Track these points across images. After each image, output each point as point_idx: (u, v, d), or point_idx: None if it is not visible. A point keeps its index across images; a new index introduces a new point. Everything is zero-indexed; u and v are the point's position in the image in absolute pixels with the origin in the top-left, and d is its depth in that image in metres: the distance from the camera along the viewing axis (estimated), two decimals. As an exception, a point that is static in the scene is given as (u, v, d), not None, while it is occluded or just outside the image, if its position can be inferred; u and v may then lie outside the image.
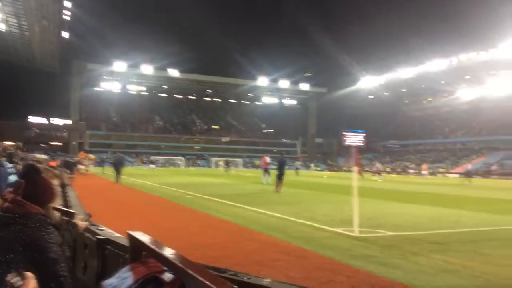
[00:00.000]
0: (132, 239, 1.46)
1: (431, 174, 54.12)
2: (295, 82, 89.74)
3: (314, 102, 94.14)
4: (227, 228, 8.92)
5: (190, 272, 1.07)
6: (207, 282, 0.97)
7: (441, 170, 61.11)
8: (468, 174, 35.03)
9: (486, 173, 55.86)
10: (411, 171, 57.94)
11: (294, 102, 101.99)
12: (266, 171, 24.43)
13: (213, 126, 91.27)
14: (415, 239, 7.60)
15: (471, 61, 66.05)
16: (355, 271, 5.34)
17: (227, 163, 47.99)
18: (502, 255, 6.48)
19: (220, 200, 14.34)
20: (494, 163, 60.39)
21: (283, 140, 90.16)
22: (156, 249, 1.29)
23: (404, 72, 76.61)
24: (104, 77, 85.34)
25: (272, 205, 12.65)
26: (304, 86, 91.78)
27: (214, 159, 77.54)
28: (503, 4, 51.00)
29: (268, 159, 24.93)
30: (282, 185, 18.68)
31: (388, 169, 61.24)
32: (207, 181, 27.94)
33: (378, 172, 40.57)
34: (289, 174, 21.85)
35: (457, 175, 49.37)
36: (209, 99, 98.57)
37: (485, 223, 9.92)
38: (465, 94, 78.16)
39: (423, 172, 49.18)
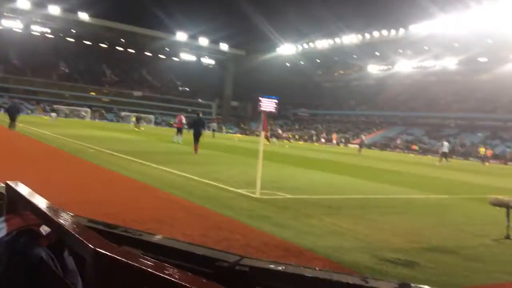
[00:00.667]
0: (10, 189, 1.36)
1: (338, 143, 57.73)
2: (215, 41, 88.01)
3: (232, 64, 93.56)
4: (130, 185, 8.73)
5: (65, 227, 1.03)
6: (81, 238, 0.94)
7: (343, 140, 65.13)
8: (360, 145, 37.89)
9: (384, 146, 60.72)
10: (323, 140, 61.10)
11: (212, 61, 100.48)
12: (179, 130, 24.10)
13: (125, 78, 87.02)
14: (310, 203, 8.09)
15: (382, 38, 69.80)
16: (251, 230, 5.57)
17: (138, 119, 46.41)
18: (383, 221, 7.17)
19: (125, 156, 13.90)
20: (393, 137, 65.71)
21: (199, 100, 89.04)
22: (34, 201, 1.22)
23: (320, 43, 78.81)
24: (5, 14, 76.27)
25: (180, 165, 12.58)
26: (224, 47, 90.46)
27: (123, 113, 74.42)
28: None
29: (183, 118, 24.57)
30: (198, 146, 18.26)
31: (290, 135, 63.69)
32: (114, 136, 26.87)
33: (279, 137, 42.00)
34: (205, 135, 21.69)
35: (355, 146, 53.23)
36: (123, 49, 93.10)
37: (374, 191, 10.84)
38: (372, 70, 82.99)
39: (333, 141, 52.71)
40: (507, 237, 5.99)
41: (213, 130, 45.79)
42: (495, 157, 48.94)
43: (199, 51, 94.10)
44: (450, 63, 70.75)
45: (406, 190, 11.79)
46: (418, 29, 62.95)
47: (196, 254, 1.32)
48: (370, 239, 5.62)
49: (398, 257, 4.77)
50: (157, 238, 1.49)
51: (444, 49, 66.88)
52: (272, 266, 1.41)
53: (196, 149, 18.09)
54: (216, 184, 9.44)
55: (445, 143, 31.28)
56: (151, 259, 0.81)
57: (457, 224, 7.38)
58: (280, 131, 49.36)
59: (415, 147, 57.01)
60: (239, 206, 7.21)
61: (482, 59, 66.59)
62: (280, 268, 1.39)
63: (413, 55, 73.10)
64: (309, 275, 1.39)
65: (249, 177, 10.66)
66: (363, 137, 48.01)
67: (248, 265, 1.32)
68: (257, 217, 6.40)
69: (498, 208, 6.29)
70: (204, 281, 0.77)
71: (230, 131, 76.22)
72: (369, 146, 57.43)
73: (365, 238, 5.67)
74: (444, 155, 30.34)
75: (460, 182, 16.49)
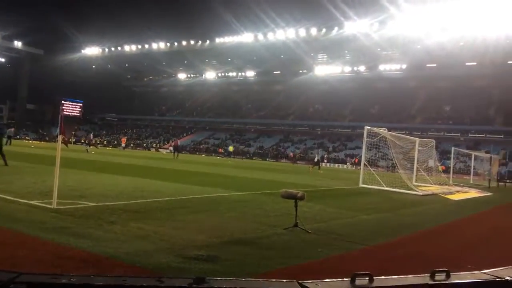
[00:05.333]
0: None
1: (126, 146, 57.94)
2: (7, 38, 76.62)
3: (28, 63, 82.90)
4: None
5: None
6: None
7: (154, 145, 64.78)
8: (176, 149, 38.38)
9: (193, 149, 62.57)
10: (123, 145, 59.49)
11: (2, 60, 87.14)
12: None
13: None
14: (115, 209, 7.70)
15: (190, 47, 72.05)
16: (43, 243, 4.97)
17: None
18: (189, 220, 7.32)
19: None
20: (201, 140, 68.27)
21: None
22: None
23: (129, 48, 76.81)
24: None
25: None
26: (17, 44, 79.52)
27: None
28: (222, 5, 57.95)
29: None
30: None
31: (97, 141, 60.77)
32: None
33: (91, 144, 39.48)
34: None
35: (167, 150, 53.60)
36: None
37: (182, 193, 11.00)
38: (182, 77, 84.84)
39: (122, 144, 53.04)
40: (295, 225, 6.78)
41: (9, 137, 39.66)
42: (287, 157, 56.02)
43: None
44: (249, 74, 77.53)
45: (212, 189, 12.33)
46: (223, 41, 67.34)
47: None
48: (175, 240, 5.63)
49: (201, 253, 4.90)
50: None
51: (245, 62, 72.98)
52: (54, 279, 1.23)
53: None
54: (2, 196, 8.17)
55: (319, 152, 34.14)
56: None
57: (255, 217, 8.04)
58: (91, 137, 46.11)
59: (221, 150, 60.45)
60: (31, 218, 6.38)
61: (276, 72, 75.06)
62: (64, 280, 1.22)
63: (218, 65, 77.61)
64: (99, 283, 1.27)
65: (45, 186, 9.58)
66: (179, 141, 48.76)
67: (26, 281, 1.12)
68: (52, 229, 5.75)
69: (288, 200, 7.09)
70: None
71: (26, 137, 67.58)
72: (180, 150, 58.43)
73: (170, 239, 5.66)
74: (317, 163, 32.97)
75: (259, 180, 18.11)
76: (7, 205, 7.45)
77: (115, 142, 58.52)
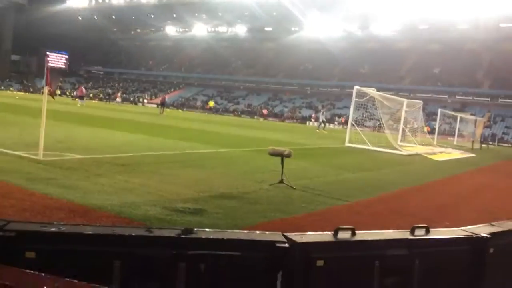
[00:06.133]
0: None
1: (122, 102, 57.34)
2: (-11, -15, 73.18)
3: (11, 14, 79.70)
4: None
5: None
6: None
7: (141, 99, 64.13)
8: (162, 105, 37.84)
9: (181, 105, 62.09)
10: (118, 100, 58.66)
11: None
12: None
13: None
14: (102, 162, 7.71)
15: (180, 1, 69.77)
16: (30, 194, 4.99)
17: None
18: (177, 174, 7.38)
19: None
20: (189, 97, 67.69)
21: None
22: None
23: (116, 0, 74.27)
24: None
25: None
26: (-2, -7, 76.01)
27: None
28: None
29: None
30: None
31: (91, 95, 59.94)
32: None
33: (82, 97, 38.87)
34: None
35: (154, 105, 53.12)
36: None
37: (170, 148, 11.03)
38: (170, 31, 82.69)
39: (117, 99, 52.13)
40: (281, 181, 6.89)
41: None
42: (274, 115, 56.10)
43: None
44: (240, 30, 75.84)
45: (199, 145, 12.37)
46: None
47: None
48: (162, 193, 5.71)
49: (188, 206, 4.99)
50: None
51: (236, 17, 71.14)
52: (44, 228, 1.25)
53: None
54: (-13, 146, 8.10)
55: (323, 113, 33.64)
56: None
57: (242, 173, 8.15)
58: (84, 90, 45.27)
59: (208, 106, 60.12)
60: (18, 169, 6.37)
61: (268, 29, 73.51)
62: (54, 229, 1.25)
63: (208, 20, 75.54)
64: (89, 232, 1.30)
65: (31, 138, 9.49)
66: (166, 96, 48.25)
67: (15, 229, 1.14)
68: (39, 180, 5.76)
69: (275, 157, 7.16)
70: None
71: (11, 88, 66.17)
72: (168, 106, 58.03)
73: (157, 192, 5.73)
74: (323, 123, 32.21)
75: (246, 137, 18.18)
76: (-8, 155, 7.41)
77: (107, 97, 57.58)
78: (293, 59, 67.88)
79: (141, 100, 63.23)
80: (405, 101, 21.05)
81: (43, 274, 0.92)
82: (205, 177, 7.41)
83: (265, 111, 56.97)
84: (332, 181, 8.43)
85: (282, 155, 6.93)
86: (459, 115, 34.53)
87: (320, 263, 1.60)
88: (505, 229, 2.22)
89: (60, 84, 62.06)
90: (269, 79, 67.33)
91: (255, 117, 54.65)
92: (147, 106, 57.46)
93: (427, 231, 1.97)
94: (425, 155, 17.75)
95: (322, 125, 31.69)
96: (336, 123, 50.68)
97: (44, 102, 8.10)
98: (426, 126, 29.54)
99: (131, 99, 65.80)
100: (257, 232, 1.82)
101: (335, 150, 16.68)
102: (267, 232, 1.80)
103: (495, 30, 52.20)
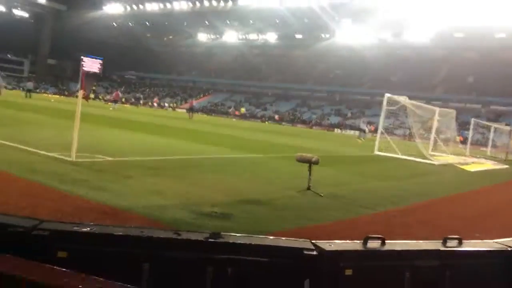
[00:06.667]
0: None
1: (161, 107, 57.93)
2: (31, -7, 76.21)
3: (50, 19, 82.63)
4: None
5: None
6: None
7: (172, 104, 65.16)
8: (191, 110, 38.36)
9: (210, 111, 62.72)
10: (155, 104, 60.05)
11: (26, 14, 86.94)
12: None
13: None
14: (132, 165, 7.86)
15: (212, 8, 70.84)
16: (63, 195, 5.12)
17: None
18: (204, 178, 7.43)
19: None
20: (217, 102, 68.34)
21: (8, 55, 76.57)
22: None
23: (150, 6, 76.06)
24: None
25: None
26: (41, -1, 79.17)
27: None
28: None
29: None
30: None
31: (123, 99, 61.28)
32: None
33: (116, 101, 39.94)
34: (16, 95, 18.85)
35: (184, 110, 53.87)
36: None
37: (198, 152, 11.13)
38: (202, 38, 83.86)
39: (155, 104, 52.76)
40: (308, 188, 6.83)
41: (28, 90, 40.18)
42: (302, 122, 55.91)
43: (10, 1, 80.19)
44: (271, 37, 76.15)
45: (227, 150, 12.45)
46: (245, 3, 66.01)
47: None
48: (190, 196, 5.75)
49: (215, 210, 5.01)
50: None
51: (267, 25, 71.52)
52: (76, 228, 1.28)
53: None
54: (24, 147, 8.38)
55: (364, 121, 33.27)
56: None
57: (269, 179, 8.13)
58: (120, 94, 46.56)
59: (237, 112, 60.50)
60: (51, 170, 6.54)
61: (298, 36, 73.50)
62: (86, 229, 1.27)
63: (240, 27, 76.28)
64: (119, 233, 1.32)
65: (65, 140, 9.74)
66: (194, 102, 48.82)
67: (48, 229, 1.17)
68: (71, 181, 5.90)
69: (302, 163, 7.11)
70: None
71: (47, 92, 68.47)
72: (197, 111, 58.76)
73: (185, 195, 5.78)
74: (363, 132, 31.89)
75: (273, 143, 18.15)
76: (27, 156, 7.64)
77: (140, 102, 58.89)
78: (324, 66, 67.56)
79: (171, 105, 64.18)
80: (437, 109, 20.56)
81: (73, 272, 0.93)
82: (233, 182, 7.43)
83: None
84: (360, 189, 8.30)
85: (309, 162, 6.87)
86: (493, 125, 33.45)
87: (348, 272, 1.57)
88: None
89: (94, 88, 63.88)
90: (298, 86, 67.15)
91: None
92: (177, 110, 58.25)
93: (460, 243, 1.90)
94: (457, 165, 17.26)
95: (363, 134, 31.55)
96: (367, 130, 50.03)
97: (78, 105, 8.33)
98: (459, 135, 28.73)
99: (161, 104, 66.78)
100: (285, 238, 1.80)
101: (364, 158, 16.43)
102: (294, 239, 1.77)
103: (533, 39, 50.53)
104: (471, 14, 49.62)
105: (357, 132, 36.67)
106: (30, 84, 43.46)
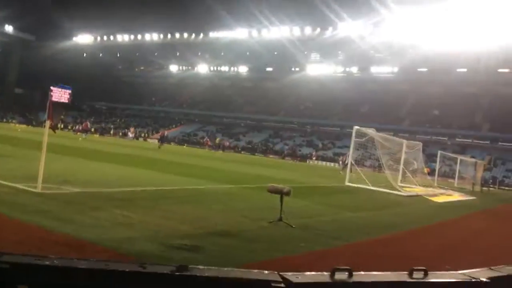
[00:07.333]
0: None
1: (136, 137, 57.34)
2: (-2, 21, 74.98)
3: (18, 48, 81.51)
4: None
5: None
6: None
7: (143, 134, 64.56)
8: (162, 139, 38.05)
9: (182, 141, 62.34)
10: (120, 133, 59.22)
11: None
12: None
13: None
14: (101, 196, 7.68)
15: (183, 40, 71.77)
16: (26, 226, 4.95)
17: None
18: (175, 210, 7.33)
19: None
20: (190, 132, 68.19)
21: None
22: None
23: (121, 38, 76.48)
24: None
25: None
26: (8, 28, 78.09)
27: None
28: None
29: None
30: None
31: (92, 129, 60.36)
32: None
33: (86, 131, 39.35)
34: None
35: (155, 140, 53.51)
36: None
37: (169, 183, 11.00)
38: (174, 69, 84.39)
39: (130, 134, 52.18)
40: (280, 219, 6.82)
41: None
42: (275, 152, 56.40)
43: (-24, 30, 78.69)
44: (242, 69, 77.43)
45: (198, 181, 12.33)
46: (216, 36, 67.33)
47: None
48: (159, 228, 5.65)
49: (185, 243, 4.93)
50: None
51: (238, 57, 72.88)
52: (38, 261, 1.24)
53: None
54: (-14, 178, 8.09)
55: (348, 154, 32.03)
56: None
57: (240, 210, 8.09)
58: (89, 124, 45.89)
59: (208, 142, 60.36)
60: (15, 201, 6.35)
61: (269, 69, 75.03)
62: (48, 262, 1.24)
63: (211, 59, 77.39)
64: (83, 267, 1.28)
65: (31, 170, 9.45)
66: (166, 132, 48.51)
67: (9, 261, 1.13)
68: (36, 212, 5.72)
69: (274, 195, 7.12)
70: None
71: (13, 121, 66.71)
72: (169, 141, 58.31)
73: (154, 227, 5.68)
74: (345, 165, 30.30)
75: (246, 174, 18.14)
76: (-9, 187, 7.38)
77: (120, 133, 58.30)
78: (294, 97, 68.81)
79: (142, 135, 63.54)
80: (405, 142, 21.16)
81: None
82: (203, 213, 7.35)
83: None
84: (332, 221, 8.35)
85: (281, 193, 6.89)
86: (459, 157, 34.57)
87: (316, 305, 1.57)
88: (504, 273, 2.18)
89: (62, 117, 62.67)
90: (270, 117, 67.99)
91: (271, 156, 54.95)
92: (147, 141, 57.70)
93: (426, 274, 1.94)
94: (426, 196, 17.64)
95: (342, 166, 31.17)
96: (340, 162, 50.74)
97: (44, 136, 8.16)
98: (426, 167, 29.50)
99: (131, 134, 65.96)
100: (253, 271, 1.79)
101: (335, 189, 16.60)
102: (263, 271, 1.76)
103: (494, 74, 53.23)
104: (434, 50, 52.00)
105: (336, 164, 36.78)
106: None
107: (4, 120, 65.88)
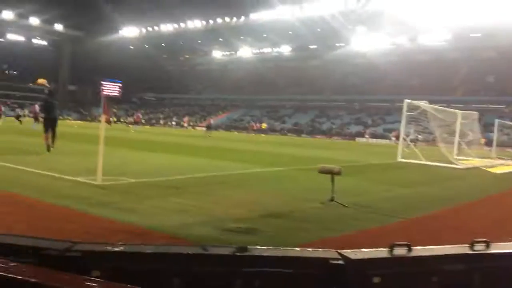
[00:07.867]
0: None
1: (192, 126, 58.64)
2: (48, 21, 78.71)
3: (69, 46, 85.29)
4: None
5: None
6: None
7: (191, 123, 65.96)
8: (209, 127, 38.65)
9: (229, 127, 63.06)
10: (173, 123, 60.88)
11: (44, 43, 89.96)
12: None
13: None
14: (155, 185, 7.97)
15: (225, 25, 71.92)
16: (90, 217, 5.24)
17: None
18: (227, 195, 7.48)
19: None
20: (236, 118, 68.73)
21: (30, 84, 79.13)
22: None
23: (165, 27, 77.57)
24: None
25: (9, 156, 11.12)
26: (58, 27, 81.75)
27: None
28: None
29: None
30: (56, 139, 13.31)
31: (143, 120, 62.35)
32: None
33: (135, 123, 40.73)
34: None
35: (203, 128, 54.50)
36: None
37: (219, 169, 11.21)
38: (217, 55, 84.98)
39: (185, 124, 53.54)
40: (332, 199, 6.79)
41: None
42: (322, 132, 55.65)
43: (29, 31, 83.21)
44: (285, 49, 76.60)
45: (247, 165, 12.47)
46: (258, 17, 66.73)
47: (17, 245, 1.18)
48: (214, 213, 5.80)
49: (239, 225, 5.03)
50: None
51: (280, 37, 72.07)
52: (108, 248, 1.33)
53: (46, 140, 12.94)
54: (50, 173, 8.60)
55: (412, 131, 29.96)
56: None
57: (291, 192, 8.12)
58: (140, 116, 47.51)
59: (254, 126, 60.64)
60: (78, 194, 6.71)
61: (312, 46, 73.71)
62: (117, 249, 1.33)
63: (253, 42, 77.09)
64: (149, 251, 1.37)
65: (89, 164, 9.96)
66: (211, 120, 49.35)
67: (80, 250, 1.23)
68: (98, 204, 6.04)
69: (325, 175, 7.08)
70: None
71: (69, 118, 70.20)
72: (216, 128, 59.20)
73: (209, 212, 5.83)
74: (413, 141, 28.50)
75: (295, 156, 18.12)
76: (54, 182, 7.84)
77: (173, 123, 60.25)
78: (339, 74, 67.38)
79: (191, 123, 64.88)
80: (459, 112, 20.23)
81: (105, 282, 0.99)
82: (255, 196, 7.45)
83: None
84: (385, 198, 8.20)
85: (332, 173, 6.84)
86: (518, 124, 32.66)
87: (376, 280, 1.57)
88: None
89: (115, 111, 65.27)
90: (315, 97, 67.06)
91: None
92: (196, 129, 58.85)
93: (488, 246, 1.87)
94: (483, 168, 16.88)
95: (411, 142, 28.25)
96: (393, 138, 49.32)
97: (101, 130, 8.54)
98: (483, 138, 28.07)
99: (181, 123, 67.53)
100: (310, 249, 1.81)
101: (387, 166, 16.24)
102: (320, 249, 1.78)
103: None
104: (486, 12, 48.95)
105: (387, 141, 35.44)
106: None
107: (61, 117, 69.34)
